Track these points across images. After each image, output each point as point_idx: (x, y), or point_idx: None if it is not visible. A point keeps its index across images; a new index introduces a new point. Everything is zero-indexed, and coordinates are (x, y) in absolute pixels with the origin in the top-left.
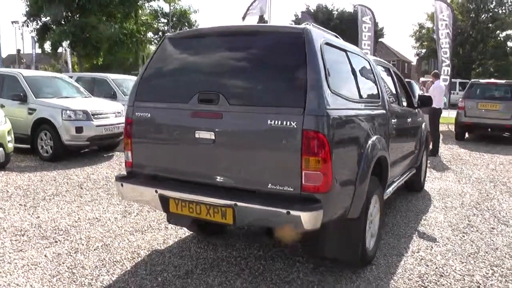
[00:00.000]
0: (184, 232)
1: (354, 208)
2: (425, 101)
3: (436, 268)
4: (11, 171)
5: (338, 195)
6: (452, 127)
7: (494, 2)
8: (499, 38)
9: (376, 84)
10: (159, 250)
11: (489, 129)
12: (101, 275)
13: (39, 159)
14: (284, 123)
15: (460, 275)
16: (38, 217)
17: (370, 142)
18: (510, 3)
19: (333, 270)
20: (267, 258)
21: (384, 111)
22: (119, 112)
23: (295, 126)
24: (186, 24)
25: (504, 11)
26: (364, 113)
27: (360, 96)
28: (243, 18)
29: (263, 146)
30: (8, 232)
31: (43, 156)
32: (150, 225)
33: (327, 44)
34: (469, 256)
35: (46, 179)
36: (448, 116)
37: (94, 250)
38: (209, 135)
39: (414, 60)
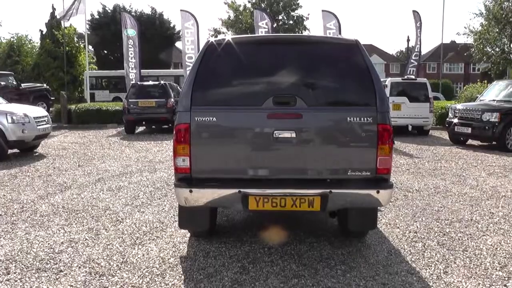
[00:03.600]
0: (182, 236)
1: None
2: None
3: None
4: None
5: None
6: None
7: (282, 13)
8: None
9: None
10: (185, 256)
11: None
12: None
13: None
14: (362, 119)
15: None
16: None
17: None
18: (295, 17)
19: (345, 243)
20: (282, 246)
21: None
22: None
23: (371, 121)
24: None
25: (291, 22)
26: None
27: None
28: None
29: (343, 140)
30: None
31: None
32: (136, 237)
33: None
34: (423, 209)
35: None
36: None
37: (119, 269)
38: (290, 134)
39: None
